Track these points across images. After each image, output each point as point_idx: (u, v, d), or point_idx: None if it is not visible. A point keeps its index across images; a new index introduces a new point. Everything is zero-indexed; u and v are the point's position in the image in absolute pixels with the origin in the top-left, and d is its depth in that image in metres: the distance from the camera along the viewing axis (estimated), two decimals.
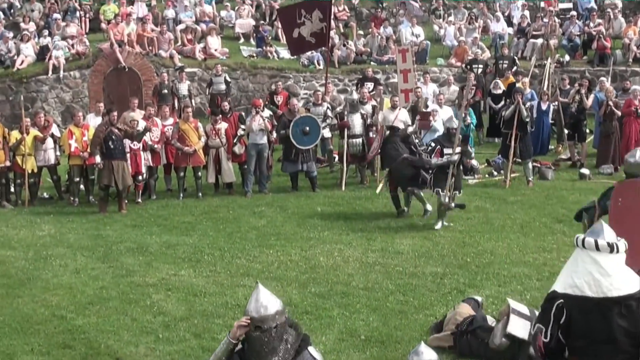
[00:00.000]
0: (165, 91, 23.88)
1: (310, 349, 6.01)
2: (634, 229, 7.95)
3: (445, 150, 15.01)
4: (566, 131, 21.46)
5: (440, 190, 14.86)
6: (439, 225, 14.84)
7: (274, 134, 18.49)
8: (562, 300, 5.59)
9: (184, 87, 24.46)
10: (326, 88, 22.20)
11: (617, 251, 5.56)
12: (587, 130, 22.06)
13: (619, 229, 6.10)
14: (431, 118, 19.31)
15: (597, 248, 5.54)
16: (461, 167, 15.54)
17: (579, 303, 5.53)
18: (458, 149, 15.07)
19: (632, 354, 5.51)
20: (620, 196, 9.23)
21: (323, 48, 23.78)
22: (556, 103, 21.88)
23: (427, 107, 20.88)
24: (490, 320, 9.28)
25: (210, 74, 26.06)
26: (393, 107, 19.36)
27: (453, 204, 14.92)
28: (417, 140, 16.24)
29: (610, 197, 9.54)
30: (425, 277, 11.99)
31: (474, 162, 19.05)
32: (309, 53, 27.00)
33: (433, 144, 15.36)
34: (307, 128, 18.17)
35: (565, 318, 5.60)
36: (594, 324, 5.52)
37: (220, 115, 18.46)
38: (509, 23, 30.93)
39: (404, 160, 15.38)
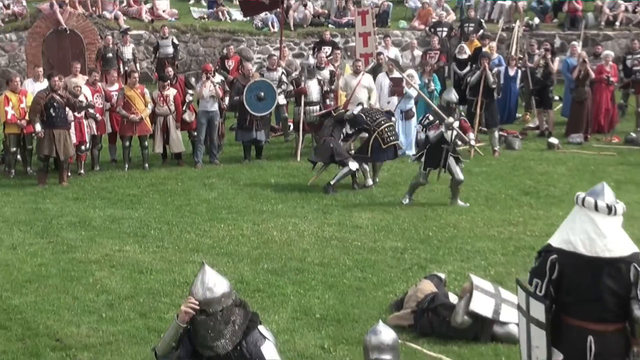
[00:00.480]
0: (110, 55, 23.62)
1: (260, 327, 6.03)
2: None
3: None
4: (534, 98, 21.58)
5: (423, 170, 14.82)
6: (406, 201, 14.90)
7: (226, 101, 18.40)
8: (555, 255, 5.93)
9: (128, 51, 24.18)
10: (281, 52, 22.13)
11: (615, 213, 5.90)
12: (557, 98, 22.22)
13: None
14: (404, 84, 19.11)
15: (596, 208, 5.88)
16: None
17: (571, 260, 5.87)
18: (455, 122, 15.19)
19: (617, 313, 5.86)
20: None
21: (277, 10, 23.68)
22: (524, 69, 21.95)
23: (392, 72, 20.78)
24: (453, 298, 9.35)
25: (157, 36, 25.82)
26: (355, 72, 19.21)
27: (425, 182, 14.98)
28: (368, 119, 16.18)
29: None
30: (384, 252, 12.05)
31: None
32: (262, 15, 26.88)
33: (431, 117, 15.24)
34: (262, 93, 18.13)
35: (557, 273, 5.93)
36: (583, 281, 5.86)
37: (168, 81, 18.30)
38: None
39: (325, 142, 16.14)
